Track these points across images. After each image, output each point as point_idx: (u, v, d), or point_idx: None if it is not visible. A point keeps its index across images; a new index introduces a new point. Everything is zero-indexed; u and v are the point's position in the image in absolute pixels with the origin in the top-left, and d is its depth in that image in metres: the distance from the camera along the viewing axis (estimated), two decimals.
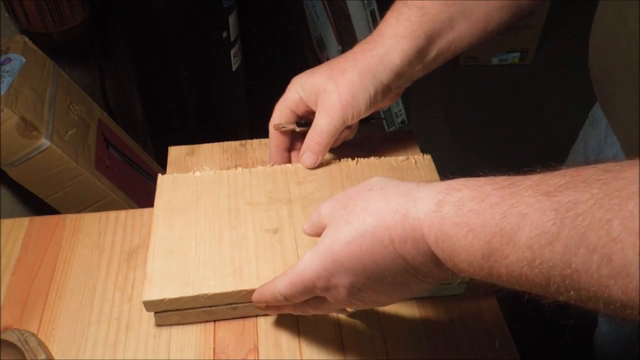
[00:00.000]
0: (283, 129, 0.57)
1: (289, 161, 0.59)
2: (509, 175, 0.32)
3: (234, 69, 1.23)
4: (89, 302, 0.51)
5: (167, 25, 1.12)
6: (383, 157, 0.58)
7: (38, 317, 0.50)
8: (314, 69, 0.55)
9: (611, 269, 0.24)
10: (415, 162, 0.58)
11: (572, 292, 0.26)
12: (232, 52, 1.20)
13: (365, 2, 1.72)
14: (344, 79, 0.52)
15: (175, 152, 0.63)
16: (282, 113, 0.56)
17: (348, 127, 0.57)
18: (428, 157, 0.58)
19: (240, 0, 1.20)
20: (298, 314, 0.44)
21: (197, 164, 0.61)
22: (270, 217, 0.52)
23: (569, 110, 0.91)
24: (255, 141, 0.64)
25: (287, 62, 1.53)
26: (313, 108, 0.55)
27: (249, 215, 0.52)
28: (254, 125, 1.43)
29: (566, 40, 2.21)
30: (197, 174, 0.56)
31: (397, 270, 0.35)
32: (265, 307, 0.45)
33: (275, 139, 0.58)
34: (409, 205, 0.34)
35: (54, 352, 0.47)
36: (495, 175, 0.33)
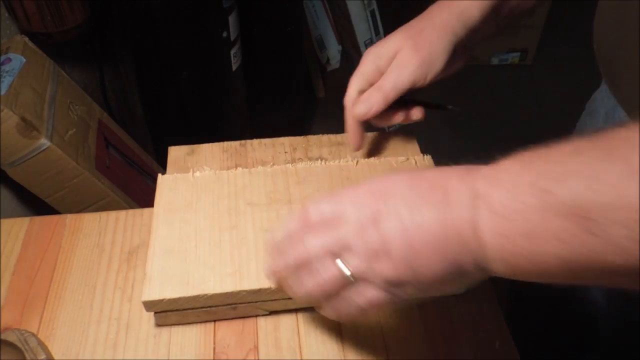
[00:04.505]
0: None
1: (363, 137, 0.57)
2: None
3: (234, 69, 1.23)
4: (89, 302, 0.51)
5: (167, 25, 1.12)
6: (383, 158, 0.58)
7: (38, 317, 0.50)
8: (388, 36, 0.54)
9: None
10: (416, 163, 0.58)
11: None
12: (232, 52, 1.20)
13: (365, 2, 1.72)
14: (422, 37, 0.51)
15: (175, 152, 0.63)
16: (359, 85, 0.54)
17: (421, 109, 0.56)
18: (428, 157, 0.58)
19: (240, 0, 1.20)
20: (302, 296, 0.38)
21: (197, 164, 0.61)
22: (270, 217, 0.52)
23: (569, 110, 0.91)
24: (255, 141, 0.64)
25: (287, 62, 1.53)
26: None
27: (249, 216, 0.52)
28: (254, 125, 1.43)
29: (566, 40, 2.21)
30: (197, 174, 0.56)
31: (431, 195, 0.32)
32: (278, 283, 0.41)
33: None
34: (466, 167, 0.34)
35: (54, 352, 0.47)
36: None
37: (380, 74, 0.53)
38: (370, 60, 0.53)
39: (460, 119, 1.98)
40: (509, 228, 0.30)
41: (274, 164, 0.58)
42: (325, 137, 0.65)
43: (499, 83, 2.11)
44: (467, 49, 0.55)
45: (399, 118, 0.56)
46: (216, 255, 0.49)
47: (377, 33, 1.79)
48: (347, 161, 0.58)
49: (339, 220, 0.35)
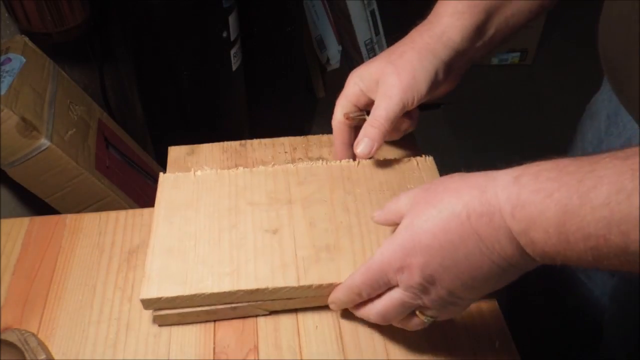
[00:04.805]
0: (353, 117, 0.55)
1: (354, 157, 0.58)
2: None
3: (234, 69, 1.23)
4: (89, 302, 0.51)
5: (167, 25, 1.12)
6: (384, 158, 0.58)
7: (38, 317, 0.50)
8: (371, 59, 0.55)
9: None
10: (417, 164, 0.58)
11: None
12: (232, 52, 1.21)
13: (365, 2, 1.72)
14: (403, 60, 0.51)
15: (175, 152, 0.63)
16: (343, 108, 0.55)
17: (410, 117, 0.56)
18: (430, 158, 0.58)
19: (240, 0, 1.20)
20: (374, 318, 0.44)
21: (197, 164, 0.61)
22: (270, 217, 0.52)
23: (569, 110, 0.92)
24: (255, 141, 0.64)
25: (287, 62, 1.53)
26: (374, 98, 0.53)
27: (249, 215, 0.52)
28: (254, 125, 1.43)
29: (566, 40, 2.21)
30: (199, 173, 0.56)
31: (471, 248, 0.35)
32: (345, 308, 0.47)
33: (340, 134, 0.56)
34: (487, 182, 0.35)
35: (54, 352, 0.47)
36: None
37: (364, 96, 0.54)
38: (353, 83, 0.54)
39: (460, 119, 1.98)
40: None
41: (274, 164, 0.58)
42: (325, 137, 0.65)
43: (499, 83, 2.12)
44: (454, 72, 0.55)
45: (393, 136, 0.58)
46: (215, 254, 0.49)
47: (377, 33, 1.78)
48: (348, 161, 0.58)
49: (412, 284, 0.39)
